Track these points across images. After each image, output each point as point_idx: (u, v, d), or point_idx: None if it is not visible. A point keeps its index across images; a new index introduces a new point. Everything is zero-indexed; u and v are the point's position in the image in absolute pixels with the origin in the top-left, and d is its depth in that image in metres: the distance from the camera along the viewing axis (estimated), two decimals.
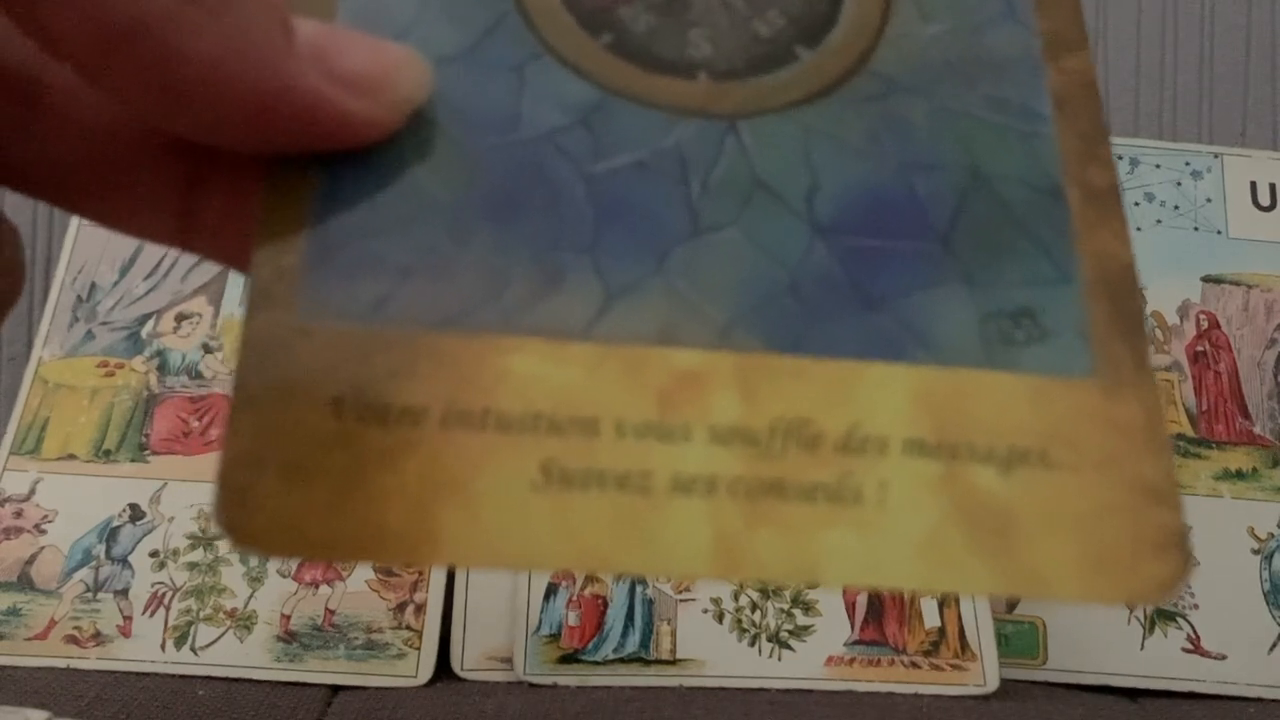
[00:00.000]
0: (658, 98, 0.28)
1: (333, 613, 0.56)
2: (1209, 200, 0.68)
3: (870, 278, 0.26)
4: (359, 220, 0.25)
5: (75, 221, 0.65)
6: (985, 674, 0.53)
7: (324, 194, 0.25)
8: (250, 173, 0.22)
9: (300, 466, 0.22)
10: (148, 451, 0.60)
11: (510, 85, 0.27)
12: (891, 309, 0.26)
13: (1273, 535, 0.60)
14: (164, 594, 0.56)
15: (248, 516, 0.22)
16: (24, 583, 0.56)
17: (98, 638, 0.55)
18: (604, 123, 0.27)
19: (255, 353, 0.23)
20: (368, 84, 0.22)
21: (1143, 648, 0.58)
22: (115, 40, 0.19)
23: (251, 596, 0.56)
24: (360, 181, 0.25)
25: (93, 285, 0.64)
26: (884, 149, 0.28)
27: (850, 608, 0.57)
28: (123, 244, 0.65)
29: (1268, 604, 0.59)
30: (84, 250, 0.65)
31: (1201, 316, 0.65)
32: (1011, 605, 0.58)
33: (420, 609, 0.56)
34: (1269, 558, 0.60)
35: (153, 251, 0.65)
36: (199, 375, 0.62)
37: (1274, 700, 0.57)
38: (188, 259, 0.65)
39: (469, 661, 0.54)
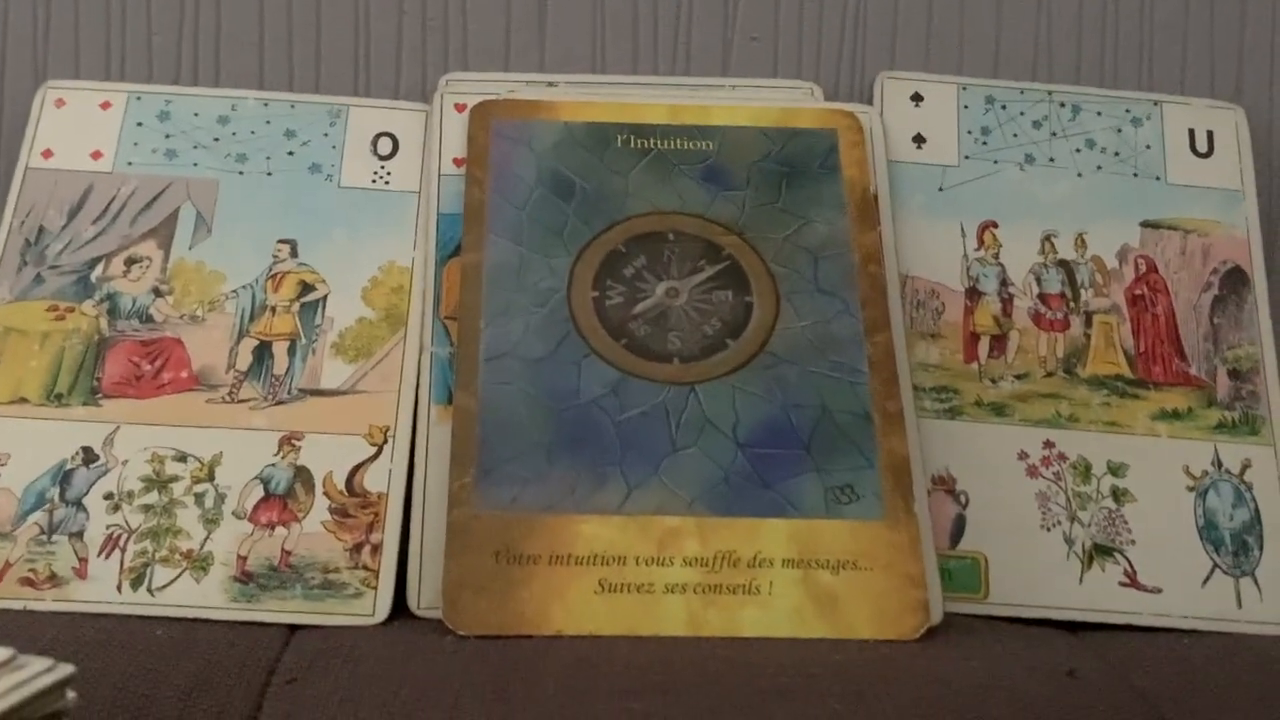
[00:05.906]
0: (652, 375, 0.57)
1: (289, 554, 0.56)
2: (1148, 147, 0.69)
3: (766, 471, 0.55)
4: (501, 453, 0.55)
5: (22, 164, 0.65)
6: (929, 607, 0.54)
7: (483, 440, 0.55)
8: None
9: (481, 588, 0.52)
10: (99, 395, 0.60)
11: (573, 373, 0.57)
12: (777, 489, 0.55)
13: (1207, 473, 0.62)
14: (119, 536, 0.56)
15: (459, 613, 0.52)
16: None
17: (54, 580, 0.55)
18: (624, 392, 0.56)
19: (457, 530, 0.53)
20: None
21: (1081, 582, 0.59)
22: None
23: (207, 538, 0.56)
24: (502, 432, 0.55)
25: (41, 229, 0.63)
26: (774, 396, 0.57)
27: None
28: (70, 187, 0.64)
29: (1201, 539, 0.61)
30: (31, 193, 0.64)
31: (1140, 260, 0.66)
32: (955, 540, 0.59)
33: (376, 549, 0.56)
34: (1203, 495, 0.61)
35: (100, 195, 0.64)
36: (149, 319, 0.62)
37: (1208, 632, 0.58)
38: (136, 202, 0.64)
39: (425, 600, 0.55)
